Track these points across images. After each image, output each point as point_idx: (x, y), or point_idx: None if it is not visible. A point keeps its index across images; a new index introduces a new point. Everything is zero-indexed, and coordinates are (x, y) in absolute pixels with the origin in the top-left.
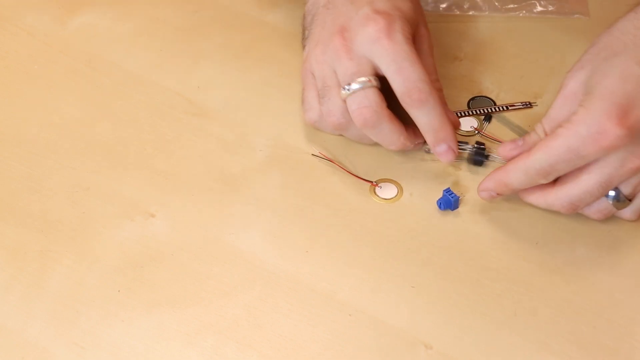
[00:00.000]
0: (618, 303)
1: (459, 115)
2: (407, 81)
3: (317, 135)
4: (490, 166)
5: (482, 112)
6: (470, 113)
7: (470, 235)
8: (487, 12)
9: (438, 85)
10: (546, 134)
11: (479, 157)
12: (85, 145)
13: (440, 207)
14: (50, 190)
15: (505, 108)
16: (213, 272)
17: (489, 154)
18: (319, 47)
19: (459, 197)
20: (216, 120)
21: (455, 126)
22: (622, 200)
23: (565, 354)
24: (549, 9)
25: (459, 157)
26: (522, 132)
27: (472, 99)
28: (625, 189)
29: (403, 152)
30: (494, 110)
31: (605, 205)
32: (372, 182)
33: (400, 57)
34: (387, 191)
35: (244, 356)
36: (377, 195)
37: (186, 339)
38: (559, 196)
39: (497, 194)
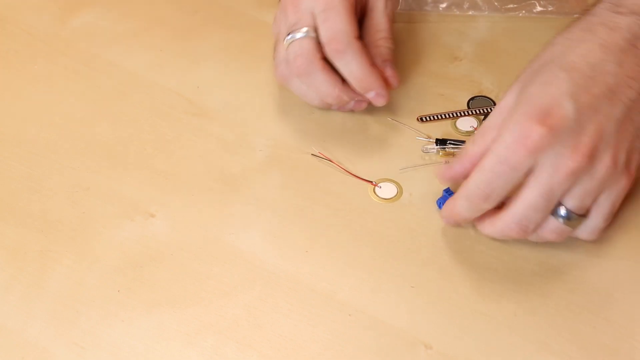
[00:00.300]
0: (618, 303)
1: (459, 115)
2: (328, 31)
3: (317, 135)
4: None
5: (482, 112)
6: (470, 113)
7: (470, 235)
8: (487, 12)
9: (385, 43)
10: (476, 144)
11: None
12: (85, 145)
13: (440, 206)
14: (50, 190)
15: None
16: (213, 272)
17: None
18: (278, 9)
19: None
20: (216, 120)
21: (390, 82)
22: (573, 217)
23: (565, 354)
24: (549, 9)
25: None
26: None
27: (472, 98)
28: (572, 203)
29: (347, 111)
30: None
31: (556, 224)
32: (372, 182)
33: (329, 8)
34: (387, 191)
35: (244, 356)
36: (377, 195)
37: (186, 339)
38: (506, 219)
39: (457, 223)
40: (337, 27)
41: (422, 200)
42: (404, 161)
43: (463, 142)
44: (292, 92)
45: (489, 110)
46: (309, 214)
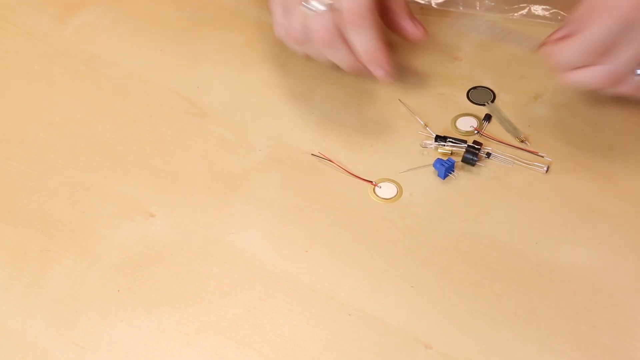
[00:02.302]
0: (618, 303)
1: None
2: (348, 2)
3: (317, 135)
4: (485, 165)
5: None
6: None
7: (470, 235)
8: (487, 13)
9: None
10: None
11: (470, 155)
12: (85, 145)
13: (438, 169)
14: (50, 190)
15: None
16: (213, 272)
17: (490, 152)
18: None
19: (454, 161)
20: (216, 120)
21: (416, 33)
22: None
23: (565, 353)
24: (541, 13)
25: (457, 156)
26: (519, 133)
27: (473, 88)
28: None
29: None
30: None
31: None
32: (372, 182)
33: None
34: (387, 191)
35: (244, 356)
36: (377, 195)
37: (186, 339)
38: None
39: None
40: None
41: (422, 200)
42: (404, 161)
43: (464, 141)
44: (292, 92)
45: (488, 103)
46: (309, 214)
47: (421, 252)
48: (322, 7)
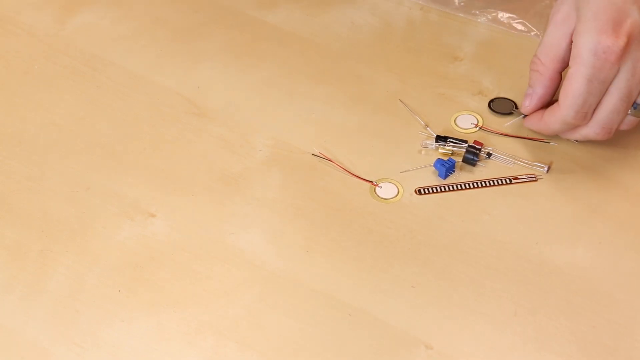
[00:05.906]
0: (618, 303)
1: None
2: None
3: (317, 135)
4: (485, 165)
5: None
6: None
7: (470, 235)
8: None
9: None
10: (543, 64)
11: (470, 155)
12: (85, 145)
13: (439, 169)
14: (50, 190)
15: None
16: (213, 272)
17: (490, 152)
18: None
19: (454, 161)
20: (216, 120)
21: None
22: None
23: (565, 353)
24: (509, 22)
25: (457, 156)
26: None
27: (492, 100)
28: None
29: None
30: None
31: (630, 119)
32: (372, 182)
33: None
34: (387, 191)
35: (244, 356)
36: (377, 195)
37: (186, 339)
38: (593, 126)
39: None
40: None
41: (422, 200)
42: (404, 161)
43: (464, 141)
44: (292, 92)
45: (514, 110)
46: (309, 214)
47: (421, 252)
48: None
